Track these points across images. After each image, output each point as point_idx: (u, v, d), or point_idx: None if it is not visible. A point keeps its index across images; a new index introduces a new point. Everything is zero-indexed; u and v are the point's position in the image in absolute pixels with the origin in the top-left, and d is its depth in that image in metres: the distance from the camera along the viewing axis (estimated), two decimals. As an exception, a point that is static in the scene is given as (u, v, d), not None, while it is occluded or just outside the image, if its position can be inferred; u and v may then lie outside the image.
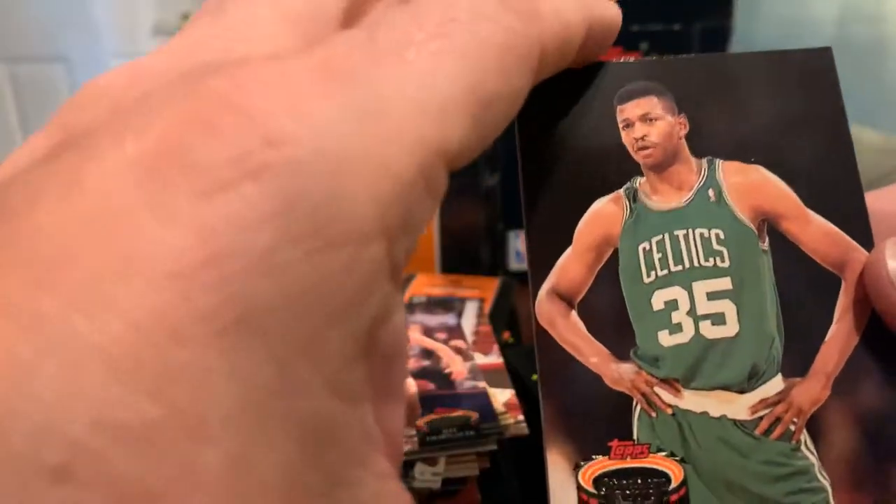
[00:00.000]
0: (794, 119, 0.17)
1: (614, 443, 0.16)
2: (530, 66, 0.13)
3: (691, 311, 0.16)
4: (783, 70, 0.17)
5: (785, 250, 0.16)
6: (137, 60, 0.13)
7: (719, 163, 0.17)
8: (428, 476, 0.27)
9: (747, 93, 0.17)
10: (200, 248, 0.09)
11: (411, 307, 0.39)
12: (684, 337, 0.16)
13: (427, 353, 0.35)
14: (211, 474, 0.09)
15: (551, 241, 0.17)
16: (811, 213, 0.17)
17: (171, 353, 0.09)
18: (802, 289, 0.16)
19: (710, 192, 0.17)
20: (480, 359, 0.34)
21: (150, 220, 0.09)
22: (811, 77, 0.17)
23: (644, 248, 0.17)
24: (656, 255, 0.16)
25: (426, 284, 0.44)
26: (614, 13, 0.16)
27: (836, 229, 0.16)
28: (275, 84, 0.11)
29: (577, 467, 0.15)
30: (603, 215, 0.17)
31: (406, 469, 0.27)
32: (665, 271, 0.16)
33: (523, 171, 0.17)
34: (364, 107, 0.11)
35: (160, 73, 0.12)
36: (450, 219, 0.48)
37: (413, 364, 0.33)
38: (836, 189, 0.17)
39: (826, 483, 0.15)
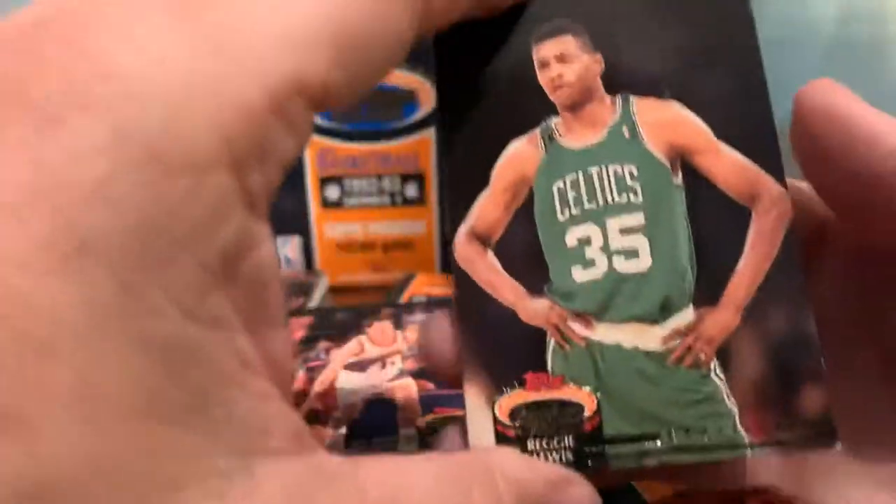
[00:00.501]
0: (707, 52, 0.17)
1: (529, 375, 0.16)
2: (409, 6, 0.13)
3: (604, 247, 0.16)
4: (697, 3, 0.17)
5: (698, 184, 0.17)
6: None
7: (634, 99, 0.17)
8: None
9: (661, 27, 0.17)
10: (35, 180, 0.09)
11: (411, 307, 0.39)
12: (597, 272, 0.16)
13: (427, 353, 0.35)
14: (63, 390, 0.09)
15: (469, 183, 0.17)
16: (723, 146, 0.17)
17: (11, 280, 0.09)
18: (715, 222, 0.17)
19: (625, 129, 0.17)
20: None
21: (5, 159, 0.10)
22: (724, 9, 0.17)
23: (559, 187, 0.17)
24: (570, 194, 0.17)
25: (426, 284, 0.45)
26: None
27: (748, 162, 0.17)
28: (117, 19, 0.11)
29: (493, 400, 0.16)
30: (519, 155, 0.17)
31: None
32: (579, 209, 0.17)
33: (441, 115, 0.17)
34: (211, 37, 0.11)
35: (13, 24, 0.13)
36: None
37: (413, 364, 0.33)
38: (747, 122, 0.17)
39: (733, 407, 0.16)
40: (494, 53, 0.17)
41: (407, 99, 0.51)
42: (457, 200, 0.17)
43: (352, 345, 0.33)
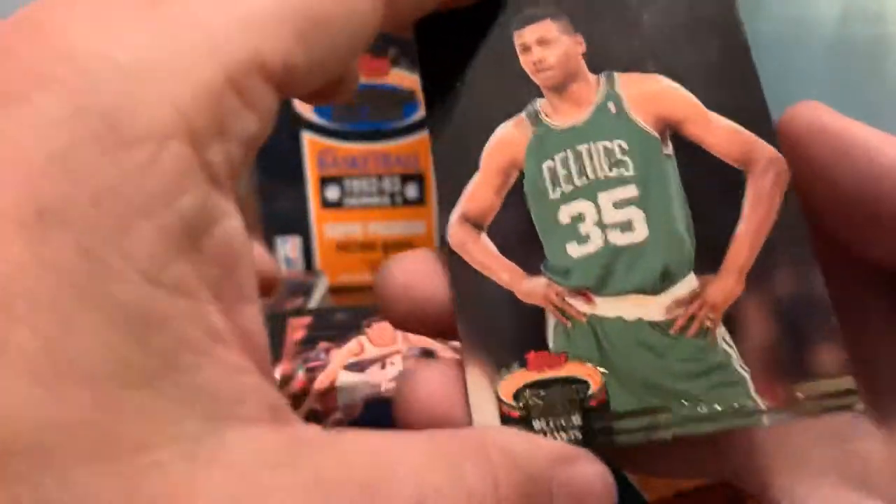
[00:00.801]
0: (688, 24, 0.17)
1: (531, 354, 0.16)
2: None
3: (598, 222, 0.16)
4: None
5: (689, 153, 0.16)
6: None
7: (618, 76, 0.17)
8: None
9: (641, 5, 0.17)
10: (4, 154, 0.10)
11: None
12: (593, 246, 0.16)
13: (427, 353, 0.35)
14: (23, 353, 0.09)
15: (459, 170, 0.17)
16: (712, 113, 0.17)
17: None
18: (710, 188, 0.16)
19: (611, 105, 0.17)
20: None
21: None
22: None
23: (548, 166, 0.17)
24: (560, 172, 0.17)
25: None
26: None
27: (738, 126, 0.16)
28: (83, 11, 0.11)
29: (495, 382, 0.16)
30: (506, 139, 0.17)
31: None
32: (570, 186, 0.17)
33: (427, 105, 0.17)
34: (172, 22, 0.12)
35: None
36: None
37: (413, 364, 0.33)
38: (735, 89, 0.17)
39: (746, 374, 0.15)
40: (476, 41, 0.18)
41: (407, 99, 0.52)
42: (447, 187, 0.17)
43: (352, 345, 0.32)
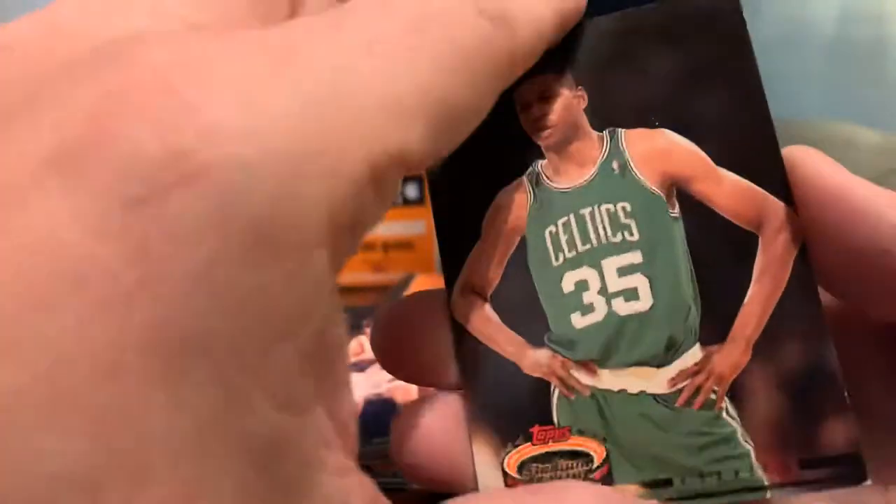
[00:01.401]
0: (698, 72, 0.16)
1: (535, 428, 0.16)
2: (500, 75, 0.13)
3: (602, 290, 0.16)
4: (682, 20, 0.16)
5: (697, 214, 0.16)
6: (49, 10, 0.12)
7: (622, 132, 0.16)
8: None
9: (645, 52, 0.16)
10: (133, 268, 0.08)
11: None
12: (597, 316, 0.16)
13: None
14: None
15: (461, 237, 0.17)
16: (722, 171, 0.16)
17: (106, 389, 0.08)
18: (718, 252, 0.16)
19: (614, 165, 0.16)
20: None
21: (76, 232, 0.08)
22: (714, 23, 0.16)
23: (551, 232, 0.16)
24: (563, 237, 0.16)
25: (426, 284, 0.45)
26: (581, 3, 0.16)
27: (750, 184, 0.16)
28: (220, 61, 0.10)
29: (501, 455, 0.16)
30: (507, 204, 0.17)
31: None
32: (573, 252, 0.16)
33: (428, 171, 0.17)
34: (320, 97, 0.10)
35: (81, 34, 0.11)
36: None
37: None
38: (748, 143, 0.16)
39: (749, 447, 0.15)
40: None
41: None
42: (450, 258, 0.17)
43: (351, 345, 0.33)
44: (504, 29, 0.12)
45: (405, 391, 0.30)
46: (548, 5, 0.14)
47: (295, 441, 0.10)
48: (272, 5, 0.13)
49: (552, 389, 0.16)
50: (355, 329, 0.34)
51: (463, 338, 0.17)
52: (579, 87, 0.17)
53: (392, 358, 0.17)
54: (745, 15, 0.16)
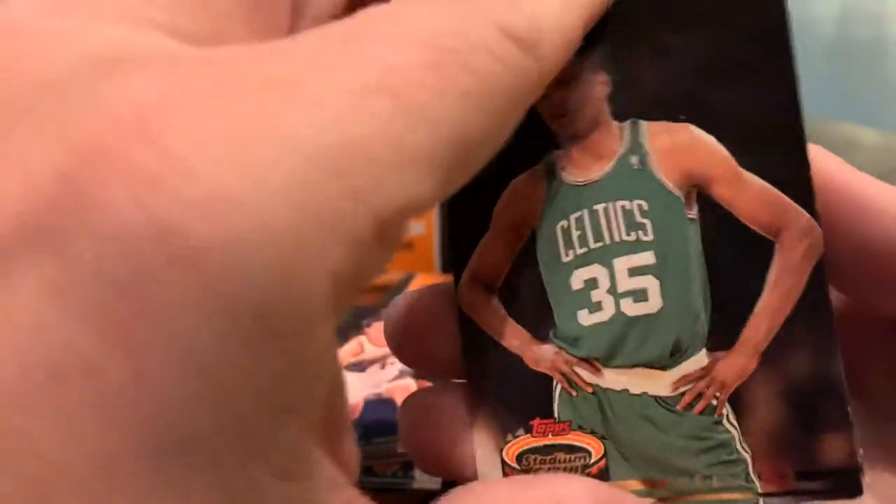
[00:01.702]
0: (729, 62, 0.15)
1: (536, 421, 0.16)
2: (525, 101, 0.12)
3: (612, 289, 0.16)
4: (720, 8, 0.15)
5: (715, 217, 0.15)
6: (3, 6, 0.10)
7: (644, 125, 0.16)
8: (427, 477, 0.28)
9: (673, 36, 0.15)
10: (117, 359, 0.08)
11: None
12: (604, 315, 0.16)
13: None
14: None
15: (471, 226, 0.16)
16: (745, 173, 0.15)
17: (98, 496, 0.08)
18: (733, 257, 0.15)
19: (634, 160, 0.16)
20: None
21: (53, 315, 0.08)
22: (752, 15, 0.15)
23: (563, 226, 0.16)
24: (575, 233, 0.16)
25: (426, 284, 0.44)
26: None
27: (773, 190, 0.15)
28: (210, 103, 0.08)
29: (501, 445, 0.16)
30: (519, 194, 0.16)
31: (406, 470, 0.28)
32: (584, 249, 0.16)
33: None
34: (325, 151, 0.09)
35: (46, 39, 0.09)
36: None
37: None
38: (774, 144, 0.15)
39: (746, 455, 0.15)
40: None
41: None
42: (459, 246, 0.17)
43: (352, 345, 0.33)
44: (532, 52, 0.11)
45: (405, 391, 0.30)
46: (578, 13, 0.13)
47: (301, 500, 0.10)
48: (270, 8, 0.11)
49: (554, 384, 0.16)
50: (355, 329, 0.34)
51: (468, 328, 0.16)
52: (603, 73, 0.16)
53: (407, 350, 0.17)
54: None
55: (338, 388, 0.11)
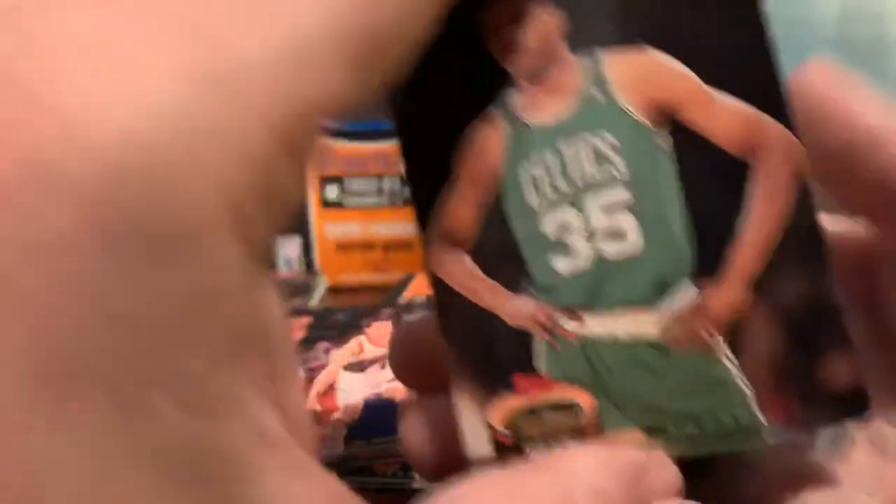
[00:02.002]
0: None
1: (517, 376, 0.15)
2: None
3: (586, 232, 0.15)
4: None
5: (689, 143, 0.14)
6: None
7: (603, 55, 0.15)
8: (427, 478, 0.28)
9: None
10: (6, 299, 0.08)
11: (411, 307, 0.39)
12: (581, 260, 0.15)
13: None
14: None
15: (433, 181, 0.16)
16: (715, 94, 0.14)
17: None
18: (712, 183, 0.14)
19: (596, 92, 0.15)
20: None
21: None
22: None
23: (528, 171, 0.15)
24: (542, 177, 0.15)
25: (426, 285, 0.44)
26: None
27: (748, 109, 0.14)
28: (85, 35, 0.08)
29: (485, 408, 0.15)
30: (480, 142, 0.15)
31: (405, 470, 0.28)
32: (554, 193, 0.15)
33: (394, 108, 0.16)
34: (205, 66, 0.09)
35: None
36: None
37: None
38: (742, 61, 0.14)
39: (747, 389, 0.14)
40: (442, 29, 0.15)
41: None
42: (422, 203, 0.16)
43: (351, 345, 0.33)
44: None
45: (405, 391, 0.30)
46: None
47: (221, 446, 0.09)
48: None
49: (536, 339, 0.15)
50: (355, 329, 0.34)
51: (441, 291, 0.16)
52: (555, 6, 0.15)
53: (409, 377, 0.17)
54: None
55: (279, 337, 0.10)
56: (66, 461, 0.08)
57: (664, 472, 0.14)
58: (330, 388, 0.30)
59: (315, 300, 0.47)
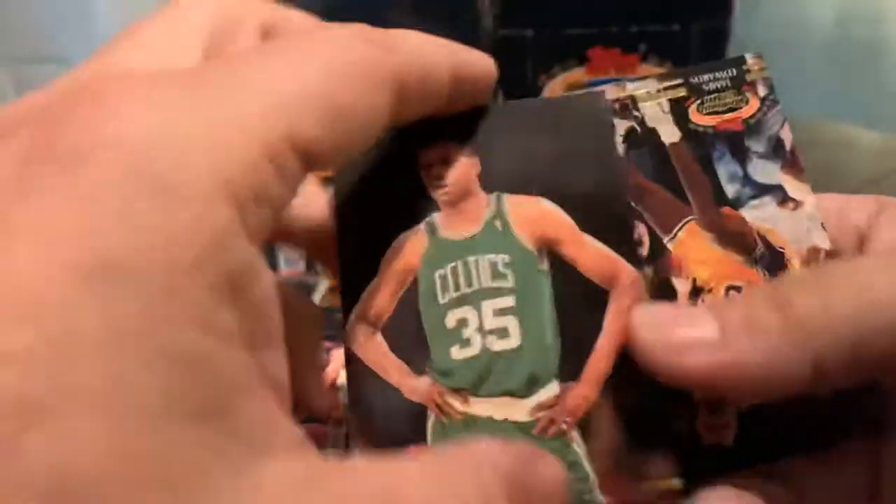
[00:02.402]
0: (571, 155, 0.19)
1: (411, 449, 0.18)
2: (387, 88, 0.16)
3: (479, 328, 0.19)
4: (563, 112, 0.20)
5: (562, 271, 0.19)
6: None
7: (506, 197, 0.19)
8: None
9: (532, 134, 0.20)
10: (65, 212, 0.11)
11: None
12: (473, 350, 0.18)
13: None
14: (90, 391, 0.10)
15: (361, 273, 0.19)
16: (585, 236, 0.19)
17: (42, 292, 0.11)
18: (577, 304, 0.19)
19: (498, 223, 0.19)
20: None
21: (26, 195, 0.11)
22: (586, 117, 0.20)
23: (440, 274, 0.19)
24: (450, 279, 0.19)
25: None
26: (486, 64, 0.19)
27: (607, 250, 0.19)
28: (137, 88, 0.13)
29: None
30: (405, 247, 0.19)
31: None
32: (457, 293, 0.19)
33: (336, 211, 0.19)
34: (215, 100, 0.13)
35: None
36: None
37: None
38: (606, 215, 0.19)
39: (591, 472, 0.18)
40: (383, 157, 0.20)
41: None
42: (349, 289, 0.19)
43: None
44: (385, 51, 0.16)
45: None
46: (439, 51, 0.17)
47: (221, 363, 0.12)
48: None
49: (429, 414, 0.18)
50: None
51: (353, 364, 0.19)
52: (475, 156, 0.20)
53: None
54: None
55: (258, 291, 0.13)
56: (102, 332, 0.11)
57: (552, 467, 0.15)
58: (331, 388, 0.30)
59: (315, 300, 0.46)
